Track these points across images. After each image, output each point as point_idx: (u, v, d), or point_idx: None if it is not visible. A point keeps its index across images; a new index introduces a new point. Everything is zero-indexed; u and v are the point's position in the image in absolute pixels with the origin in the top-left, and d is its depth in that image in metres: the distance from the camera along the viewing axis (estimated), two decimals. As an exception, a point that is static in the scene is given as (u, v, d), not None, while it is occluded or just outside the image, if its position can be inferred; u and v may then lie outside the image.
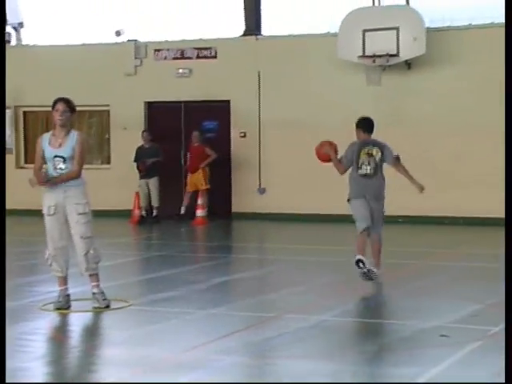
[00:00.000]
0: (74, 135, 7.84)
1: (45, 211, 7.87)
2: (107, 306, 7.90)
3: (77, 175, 7.80)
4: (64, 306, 7.87)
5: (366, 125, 9.86)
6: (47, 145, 7.82)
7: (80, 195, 7.82)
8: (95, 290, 7.95)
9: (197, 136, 16.35)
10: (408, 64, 15.37)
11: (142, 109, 17.23)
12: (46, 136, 7.92)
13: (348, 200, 9.38)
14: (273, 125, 16.42)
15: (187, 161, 16.52)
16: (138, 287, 9.53)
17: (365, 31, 15.05)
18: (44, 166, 7.94)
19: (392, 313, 7.97)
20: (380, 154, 9.43)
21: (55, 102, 7.86)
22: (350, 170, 9.46)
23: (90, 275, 7.96)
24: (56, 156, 7.76)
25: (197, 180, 16.29)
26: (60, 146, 7.79)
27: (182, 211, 16.29)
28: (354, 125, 9.72)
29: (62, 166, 7.78)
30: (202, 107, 16.97)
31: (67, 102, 7.86)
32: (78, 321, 7.70)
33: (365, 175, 9.34)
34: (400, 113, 15.59)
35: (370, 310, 8.10)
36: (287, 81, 16.33)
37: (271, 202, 16.48)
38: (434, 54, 15.12)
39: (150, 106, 17.30)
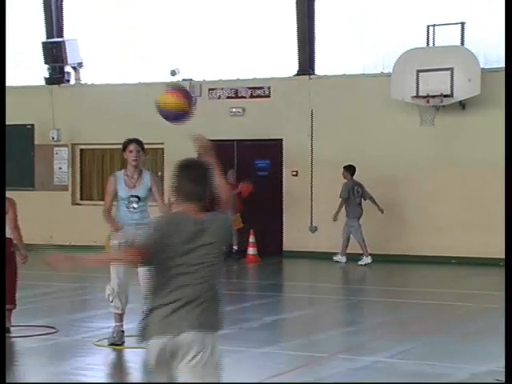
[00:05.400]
0: (147, 176, 8.05)
1: (114, 247, 7.98)
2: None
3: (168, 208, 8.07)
4: (118, 341, 7.94)
5: (354, 170, 15.44)
6: (123, 185, 7.95)
7: None
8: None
9: (232, 175, 16.00)
10: (462, 105, 15.31)
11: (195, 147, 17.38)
12: (119, 176, 8.02)
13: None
14: (325, 164, 16.44)
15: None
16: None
17: (419, 71, 15.05)
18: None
19: (445, 355, 7.86)
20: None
21: (127, 143, 7.99)
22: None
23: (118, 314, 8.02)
24: (131, 196, 7.91)
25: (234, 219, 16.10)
26: (135, 186, 7.96)
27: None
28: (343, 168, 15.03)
29: (136, 205, 7.94)
30: (255, 146, 17.08)
31: (139, 142, 8.05)
32: (132, 357, 7.74)
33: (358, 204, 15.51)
34: (452, 153, 15.52)
35: (422, 352, 8.00)
36: (340, 120, 16.37)
37: (323, 241, 16.43)
38: (489, 95, 15.03)
39: (204, 145, 17.45)
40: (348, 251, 15.67)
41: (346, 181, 15.54)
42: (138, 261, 4.27)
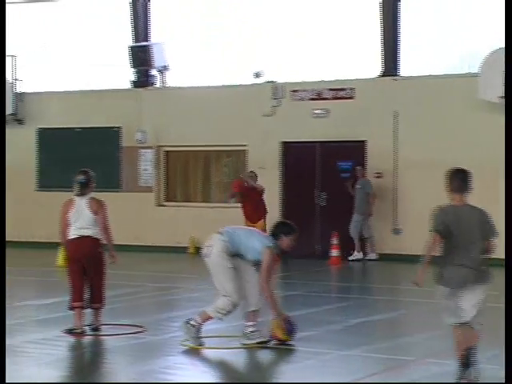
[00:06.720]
0: None
1: (230, 265, 7.98)
2: (267, 341, 8.02)
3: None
4: (203, 342, 8.02)
5: None
6: None
7: None
8: (254, 329, 8.06)
9: (252, 176, 15.57)
10: (552, 104, 14.94)
11: (278, 148, 17.44)
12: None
13: None
14: (409, 165, 16.28)
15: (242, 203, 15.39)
16: (274, 326, 9.58)
17: (506, 71, 14.76)
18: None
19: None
20: None
21: (295, 232, 8.20)
22: None
23: (255, 311, 8.07)
24: None
25: (260, 227, 14.27)
26: None
27: None
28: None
29: None
30: (338, 147, 17.02)
31: None
32: (224, 356, 7.80)
33: None
34: (542, 154, 15.15)
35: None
36: (425, 121, 16.18)
37: (406, 243, 16.26)
38: None
39: (286, 146, 17.49)
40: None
41: (362, 179, 16.24)
42: (439, 240, 6.53)
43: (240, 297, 7.96)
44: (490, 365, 7.40)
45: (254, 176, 15.74)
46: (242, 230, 8.46)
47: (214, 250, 8.00)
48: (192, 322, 8.00)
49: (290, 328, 8.12)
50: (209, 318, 8.05)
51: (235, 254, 8.06)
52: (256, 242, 8.01)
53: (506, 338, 5.65)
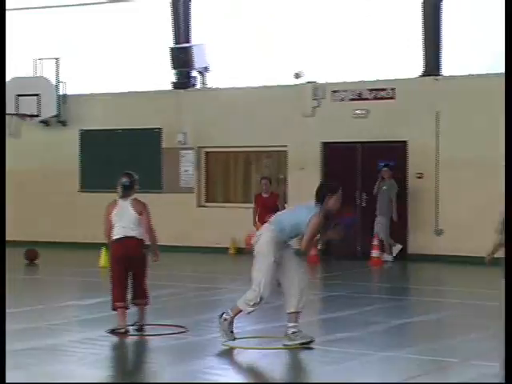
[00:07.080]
0: None
1: (273, 258, 7.99)
2: (309, 342, 8.01)
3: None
4: (234, 337, 8.06)
5: None
6: None
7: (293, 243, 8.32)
8: (295, 330, 8.06)
9: (268, 184, 14.73)
10: None
11: (319, 149, 17.43)
12: None
13: None
14: (451, 166, 16.16)
15: (256, 212, 14.55)
16: (315, 327, 9.59)
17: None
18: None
19: None
20: None
21: (337, 188, 8.11)
22: None
23: (296, 312, 8.06)
24: None
25: None
26: None
27: None
28: None
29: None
30: (379, 148, 16.96)
31: None
32: (260, 358, 7.83)
33: None
34: None
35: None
36: (467, 121, 16.05)
37: (448, 244, 16.16)
38: None
39: (327, 147, 17.47)
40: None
41: (387, 180, 16.18)
42: None
43: (268, 292, 7.93)
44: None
45: (269, 183, 14.94)
46: (290, 210, 8.75)
47: (262, 237, 8.05)
48: (225, 316, 8.07)
49: (346, 226, 8.16)
50: (239, 310, 8.08)
51: (285, 241, 8.06)
52: (303, 214, 8.00)
53: (506, 337, 5.59)
